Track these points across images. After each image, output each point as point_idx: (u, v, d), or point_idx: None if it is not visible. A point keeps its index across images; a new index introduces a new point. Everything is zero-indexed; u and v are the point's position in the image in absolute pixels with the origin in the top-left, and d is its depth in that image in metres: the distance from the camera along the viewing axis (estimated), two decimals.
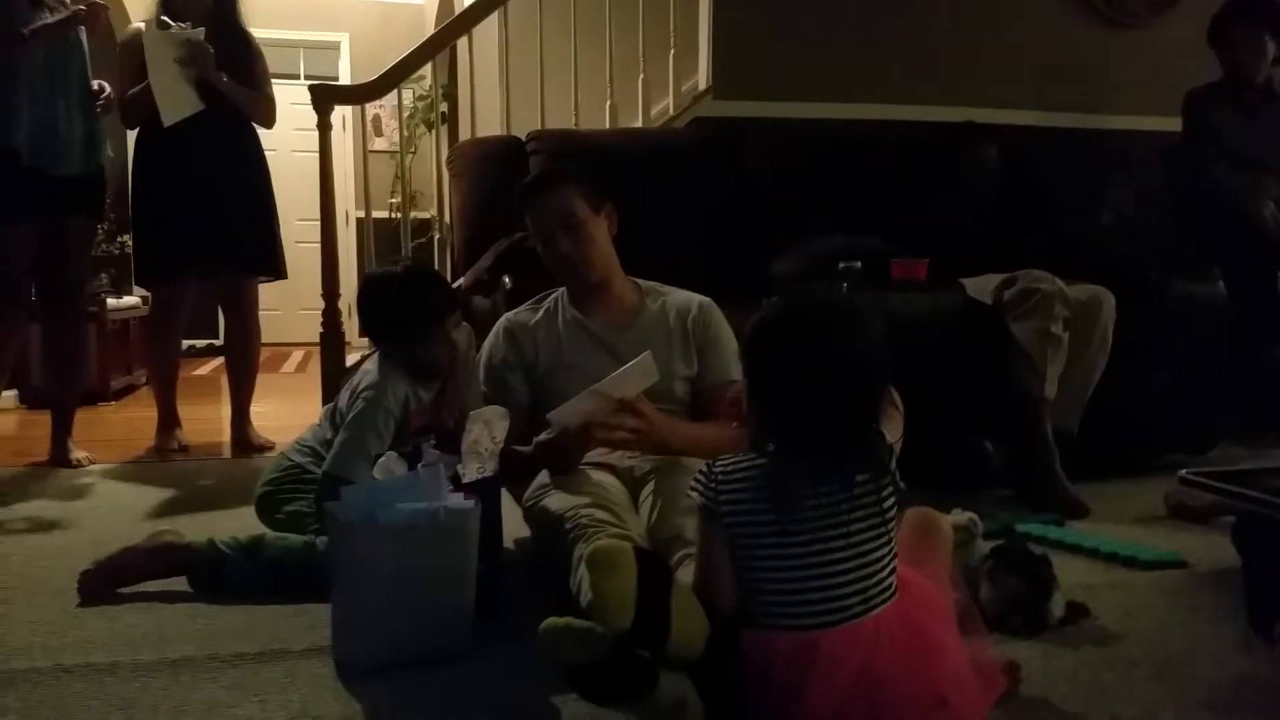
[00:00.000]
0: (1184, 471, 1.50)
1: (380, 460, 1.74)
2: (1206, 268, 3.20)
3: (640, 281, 2.28)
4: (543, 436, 1.97)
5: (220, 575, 1.90)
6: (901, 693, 1.23)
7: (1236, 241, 3.41)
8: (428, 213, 6.20)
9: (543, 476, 2.03)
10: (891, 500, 1.29)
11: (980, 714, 1.29)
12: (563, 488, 1.93)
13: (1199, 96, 3.66)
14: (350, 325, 4.10)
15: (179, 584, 1.94)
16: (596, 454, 2.04)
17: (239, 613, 1.82)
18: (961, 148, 3.32)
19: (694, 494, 1.30)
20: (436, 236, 4.47)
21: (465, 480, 1.69)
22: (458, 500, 1.61)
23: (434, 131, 5.65)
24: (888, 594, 1.28)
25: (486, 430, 1.80)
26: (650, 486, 1.98)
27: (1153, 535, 2.38)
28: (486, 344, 2.25)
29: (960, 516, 1.80)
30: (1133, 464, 3.09)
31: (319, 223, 3.91)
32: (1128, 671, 1.56)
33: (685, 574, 1.43)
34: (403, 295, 2.01)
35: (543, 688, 1.45)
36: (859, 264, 2.86)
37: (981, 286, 2.88)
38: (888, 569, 1.29)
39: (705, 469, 1.31)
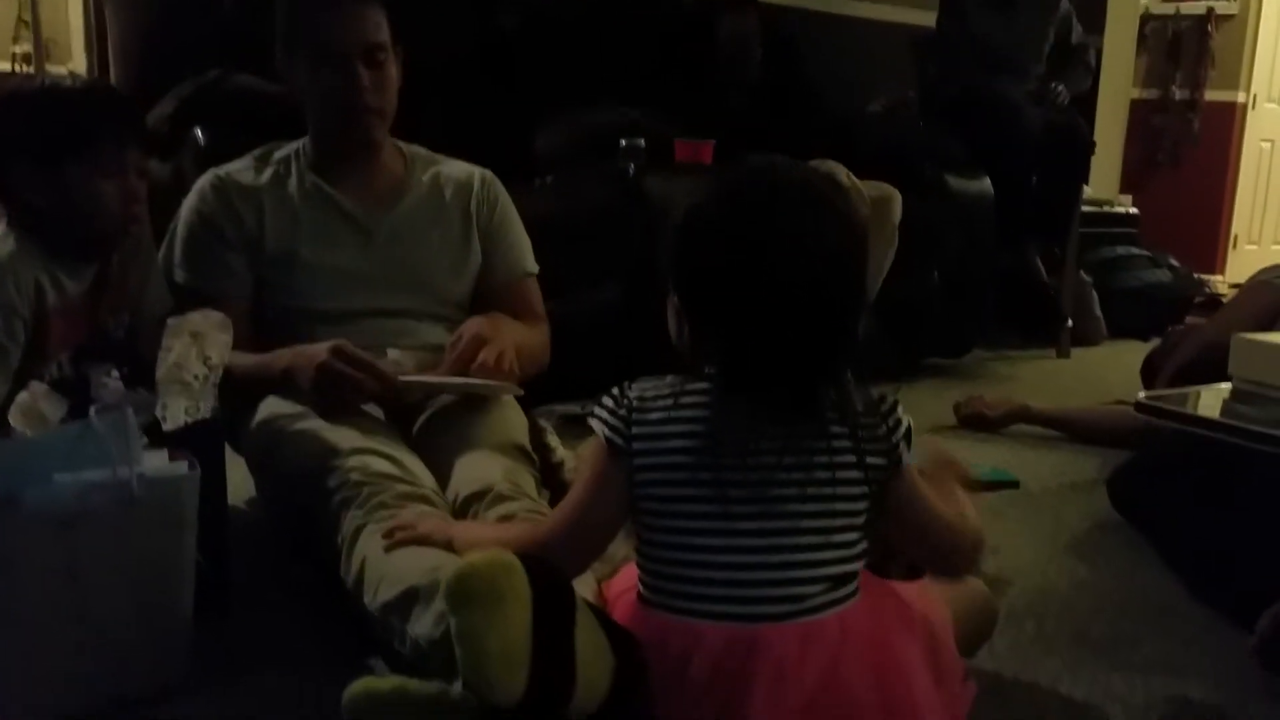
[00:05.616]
0: (1142, 395, 1.23)
1: (20, 398, 1.10)
2: (975, 164, 3.10)
3: (403, 146, 1.70)
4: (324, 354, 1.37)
5: None
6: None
7: (993, 142, 3.35)
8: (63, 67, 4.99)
9: (275, 403, 1.45)
10: (858, 473, 0.92)
11: None
12: (312, 417, 1.38)
13: None
14: None
15: None
16: None
17: None
18: (722, 14, 2.99)
19: (595, 421, 0.96)
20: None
21: (169, 428, 1.11)
22: (160, 462, 1.03)
23: None
24: (853, 590, 0.93)
25: (195, 348, 1.20)
26: (428, 419, 1.48)
27: (956, 449, 2.22)
28: (188, 205, 1.58)
29: None
30: (898, 369, 2.99)
31: None
32: (1040, 630, 1.32)
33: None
34: (53, 106, 1.29)
35: None
36: (642, 141, 2.47)
37: None
38: (855, 557, 0.94)
39: (616, 390, 0.96)
